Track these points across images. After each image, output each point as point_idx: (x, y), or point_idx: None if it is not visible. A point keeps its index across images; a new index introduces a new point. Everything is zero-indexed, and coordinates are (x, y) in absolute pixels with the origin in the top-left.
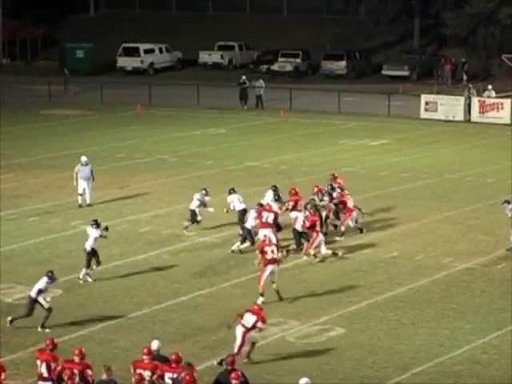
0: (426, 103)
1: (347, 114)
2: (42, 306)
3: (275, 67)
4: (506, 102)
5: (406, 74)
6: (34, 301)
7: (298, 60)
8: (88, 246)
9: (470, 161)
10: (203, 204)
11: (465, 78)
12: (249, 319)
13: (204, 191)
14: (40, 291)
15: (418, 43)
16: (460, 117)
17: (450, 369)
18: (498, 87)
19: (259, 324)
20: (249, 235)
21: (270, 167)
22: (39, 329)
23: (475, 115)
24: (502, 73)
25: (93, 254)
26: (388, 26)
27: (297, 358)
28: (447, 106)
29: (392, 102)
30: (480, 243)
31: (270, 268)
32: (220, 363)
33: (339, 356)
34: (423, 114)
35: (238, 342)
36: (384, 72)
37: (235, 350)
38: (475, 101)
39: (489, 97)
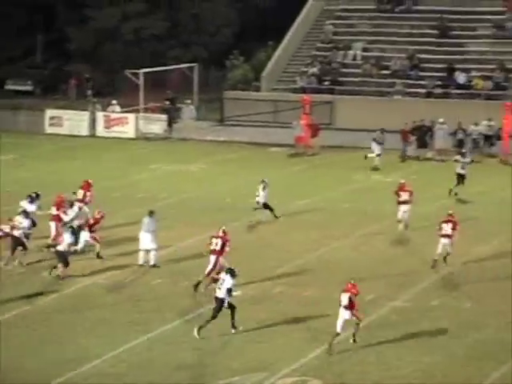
0: (51, 118)
1: None
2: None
3: None
4: (131, 116)
5: (30, 89)
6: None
7: None
8: None
9: (101, 176)
10: None
11: (90, 93)
12: (343, 299)
13: None
14: (229, 291)
15: (41, 58)
16: (85, 132)
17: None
18: (123, 102)
19: (353, 298)
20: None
21: None
22: (232, 331)
23: (100, 130)
24: (127, 88)
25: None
26: (11, 41)
27: None
28: (72, 121)
29: (17, 117)
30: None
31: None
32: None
33: None
34: (48, 129)
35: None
36: (8, 87)
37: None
38: (100, 116)
39: (113, 112)
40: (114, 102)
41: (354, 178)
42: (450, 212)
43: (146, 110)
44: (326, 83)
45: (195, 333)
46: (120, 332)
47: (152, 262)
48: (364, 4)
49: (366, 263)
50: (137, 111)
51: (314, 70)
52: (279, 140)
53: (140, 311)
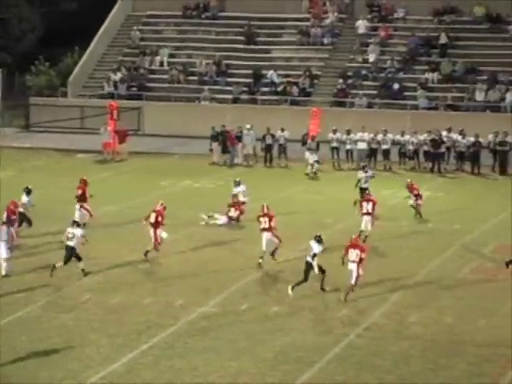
0: None
1: None
2: (313, 269)
3: None
4: None
5: None
6: (310, 265)
7: None
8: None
9: None
10: None
11: None
12: (353, 254)
13: None
14: (315, 256)
15: None
16: None
17: None
18: None
19: (363, 255)
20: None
21: None
22: (323, 290)
23: None
24: None
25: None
26: None
27: None
28: None
29: None
30: None
31: (263, 236)
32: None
33: None
34: None
35: (355, 274)
36: None
37: (353, 283)
38: None
39: None
40: None
41: (163, 184)
42: (367, 192)
43: None
44: (134, 89)
45: (289, 291)
46: None
47: (3, 273)
48: (170, 10)
49: (175, 268)
50: None
51: (121, 75)
52: (86, 146)
53: None
